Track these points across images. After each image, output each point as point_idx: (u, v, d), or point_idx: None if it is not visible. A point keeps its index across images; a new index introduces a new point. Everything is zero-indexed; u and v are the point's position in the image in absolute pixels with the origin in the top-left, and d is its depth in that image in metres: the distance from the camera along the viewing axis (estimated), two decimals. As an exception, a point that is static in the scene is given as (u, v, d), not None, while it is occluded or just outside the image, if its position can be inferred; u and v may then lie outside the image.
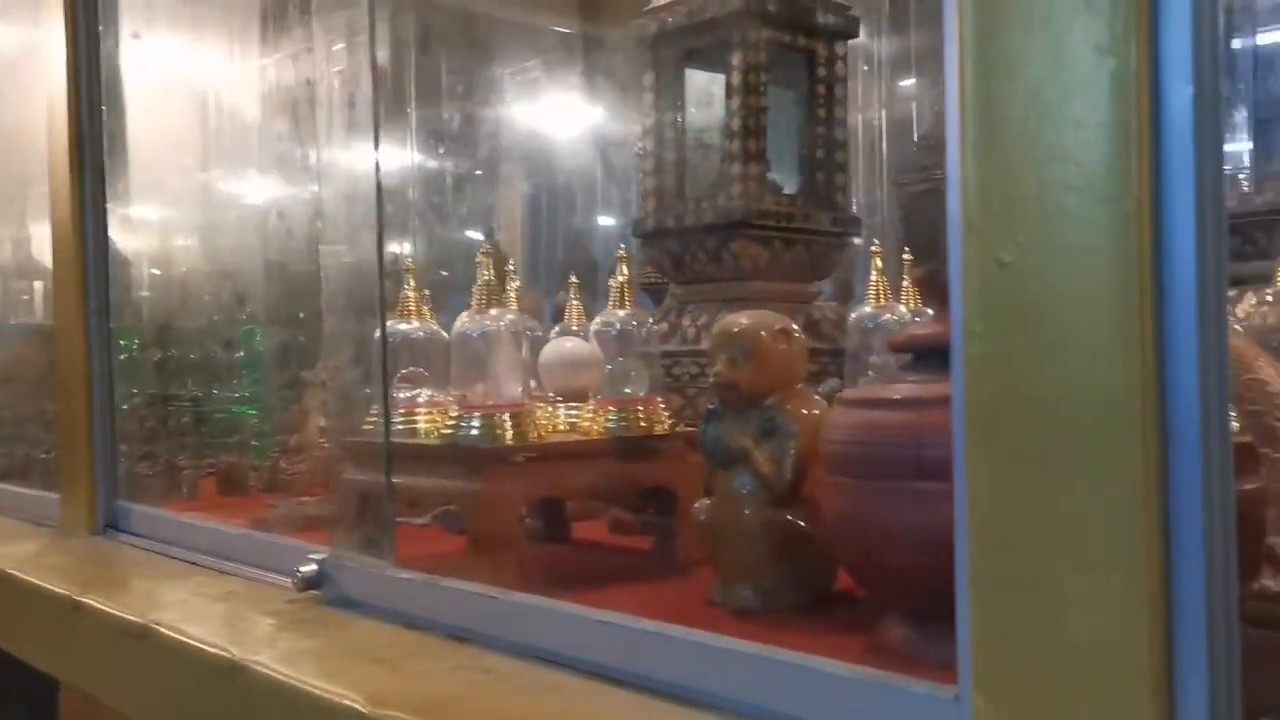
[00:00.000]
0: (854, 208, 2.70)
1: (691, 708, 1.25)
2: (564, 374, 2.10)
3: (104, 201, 2.91)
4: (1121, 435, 0.89)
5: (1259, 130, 2.20)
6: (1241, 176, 2.24)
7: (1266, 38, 2.14)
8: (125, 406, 3.56)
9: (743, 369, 1.66)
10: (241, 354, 3.97)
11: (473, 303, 1.91)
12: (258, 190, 4.41)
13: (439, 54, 7.31)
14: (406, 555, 2.01)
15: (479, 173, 7.05)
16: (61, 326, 3.01)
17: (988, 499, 0.99)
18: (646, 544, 2.13)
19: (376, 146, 1.73)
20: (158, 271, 4.36)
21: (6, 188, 4.27)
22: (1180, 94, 0.87)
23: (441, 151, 7.63)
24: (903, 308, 2.28)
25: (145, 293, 4.18)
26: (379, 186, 1.74)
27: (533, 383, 2.24)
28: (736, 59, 2.28)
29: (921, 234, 4.78)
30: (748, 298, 2.31)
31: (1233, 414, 1.66)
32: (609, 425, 1.97)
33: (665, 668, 1.31)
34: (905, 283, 2.44)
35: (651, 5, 2.48)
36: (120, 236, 4.07)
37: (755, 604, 1.63)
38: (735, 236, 2.28)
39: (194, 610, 1.90)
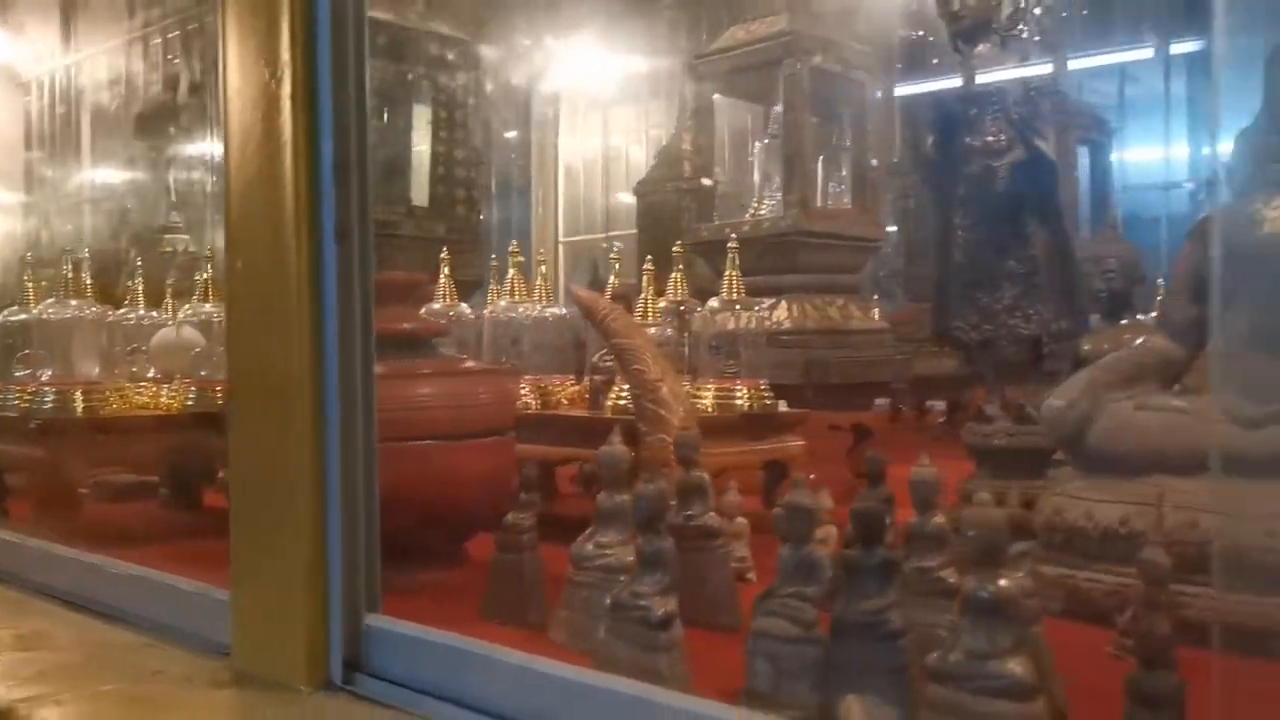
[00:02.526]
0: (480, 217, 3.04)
1: (101, 619, 1.56)
2: (165, 357, 2.38)
3: None
4: (295, 401, 1.23)
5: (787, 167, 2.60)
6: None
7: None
8: None
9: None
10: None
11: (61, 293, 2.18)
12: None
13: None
14: (20, 514, 2.28)
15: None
16: None
17: (240, 449, 1.32)
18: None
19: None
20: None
21: None
22: (327, 161, 1.21)
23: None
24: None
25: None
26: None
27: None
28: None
29: (657, 232, 5.17)
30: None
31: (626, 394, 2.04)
32: (188, 403, 2.26)
33: (103, 593, 1.61)
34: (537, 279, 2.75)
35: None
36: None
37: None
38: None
39: None
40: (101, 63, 8.67)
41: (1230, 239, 1.47)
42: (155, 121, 6.08)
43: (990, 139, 1.69)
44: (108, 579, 1.60)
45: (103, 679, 1.32)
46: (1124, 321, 2.33)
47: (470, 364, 1.90)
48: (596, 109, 9.51)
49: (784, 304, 2.61)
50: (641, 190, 4.98)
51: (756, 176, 2.78)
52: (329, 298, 1.22)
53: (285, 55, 1.20)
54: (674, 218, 4.59)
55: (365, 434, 1.24)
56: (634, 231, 7.85)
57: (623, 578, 1.28)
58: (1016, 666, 0.90)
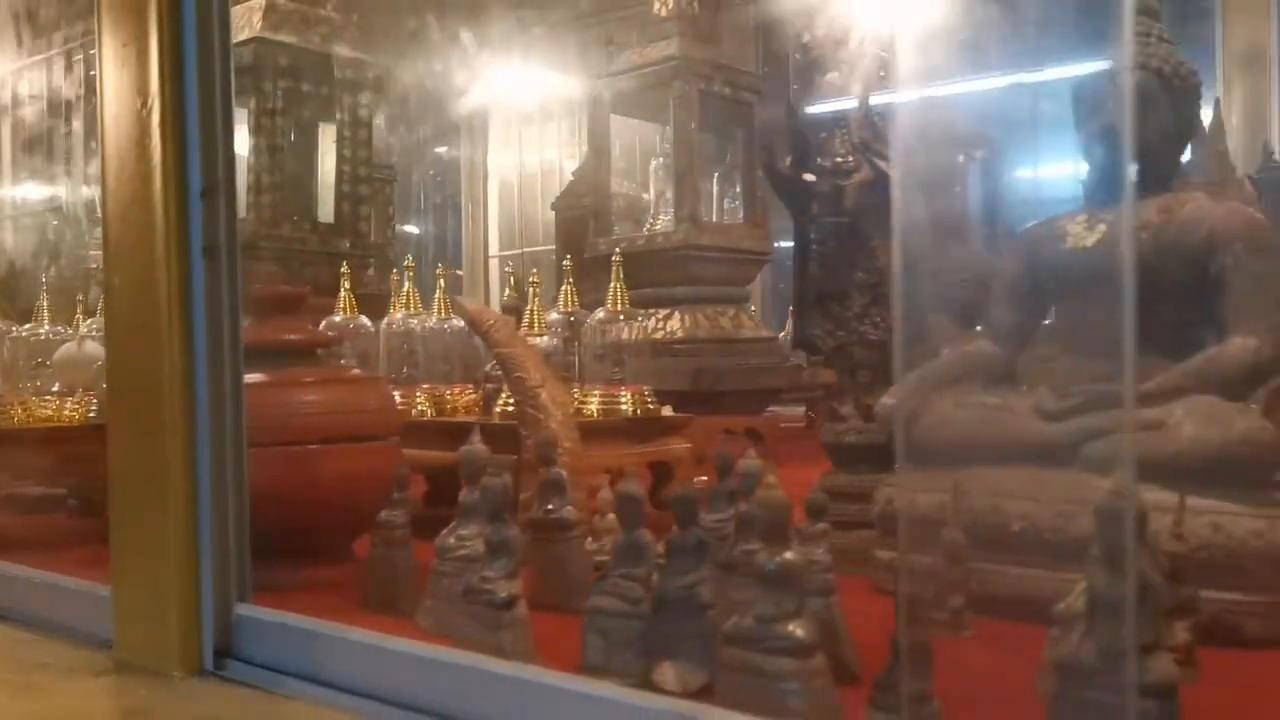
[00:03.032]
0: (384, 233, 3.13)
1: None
2: (68, 371, 2.44)
3: None
4: (168, 407, 1.31)
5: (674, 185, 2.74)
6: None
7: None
8: None
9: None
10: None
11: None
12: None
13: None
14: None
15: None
16: None
17: (118, 453, 1.40)
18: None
19: None
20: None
21: None
22: (195, 184, 1.31)
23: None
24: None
25: None
26: None
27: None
28: (254, 103, 2.68)
29: (574, 246, 5.30)
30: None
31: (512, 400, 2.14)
32: (90, 415, 2.32)
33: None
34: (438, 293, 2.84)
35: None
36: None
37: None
38: (252, 256, 2.67)
39: None
40: (24, 79, 8.60)
41: (1040, 252, 1.62)
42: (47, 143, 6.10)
43: (839, 160, 1.83)
44: None
45: (-11, 673, 1.40)
46: (978, 328, 2.47)
47: (355, 373, 1.99)
48: (531, 124, 9.60)
49: (677, 314, 2.73)
50: (558, 206, 5.09)
51: (652, 193, 2.91)
52: (197, 311, 1.31)
53: (155, 86, 1.29)
54: (586, 232, 4.72)
55: (234, 438, 1.33)
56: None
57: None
58: (798, 629, 1.02)
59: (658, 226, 2.88)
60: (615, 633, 1.19)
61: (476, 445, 1.44)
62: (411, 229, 10.46)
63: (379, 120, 5.38)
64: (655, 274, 2.81)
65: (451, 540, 1.42)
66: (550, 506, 1.53)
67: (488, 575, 1.27)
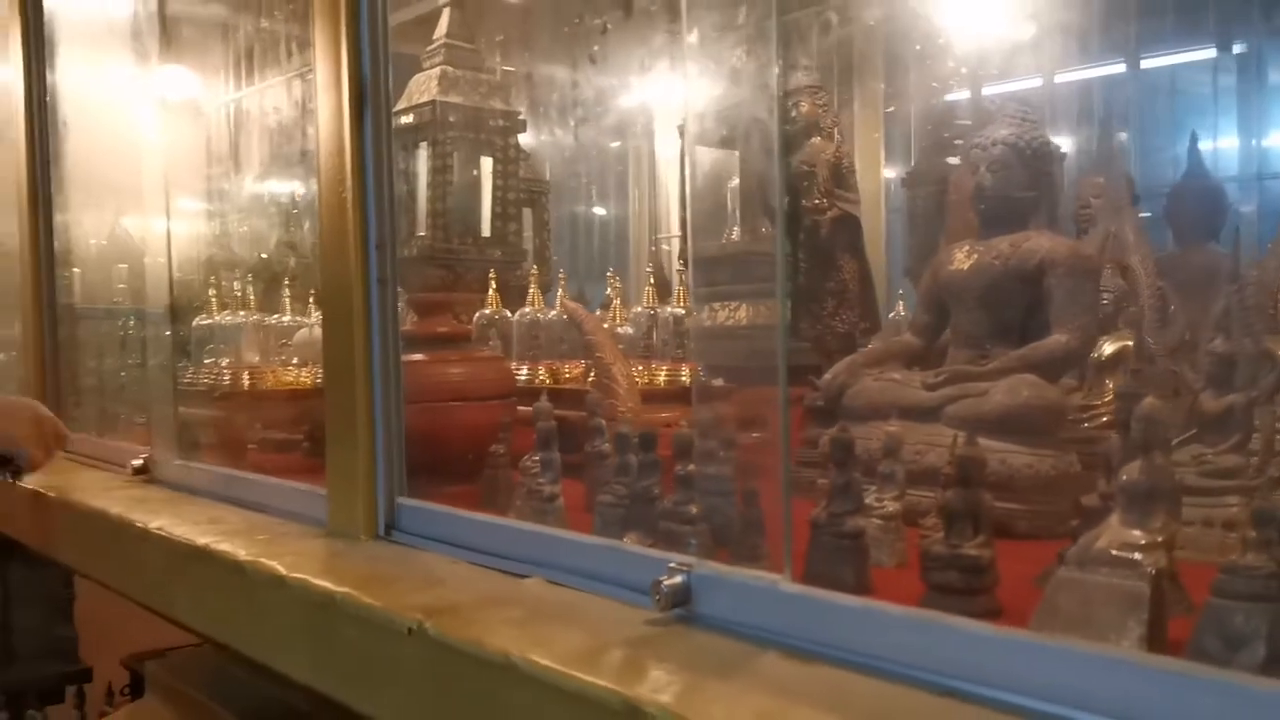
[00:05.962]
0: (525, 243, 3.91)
1: (254, 511, 2.48)
2: (304, 349, 3.32)
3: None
4: (358, 376, 2.10)
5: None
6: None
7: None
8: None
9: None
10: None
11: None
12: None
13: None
14: (207, 457, 3.26)
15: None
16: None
17: (330, 407, 2.20)
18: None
19: None
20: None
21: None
22: (372, 240, 2.09)
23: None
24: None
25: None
26: None
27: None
28: (431, 149, 3.48)
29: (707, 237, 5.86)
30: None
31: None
32: (318, 382, 3.19)
33: (255, 497, 2.54)
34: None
35: (408, 104, 3.65)
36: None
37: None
38: (426, 263, 3.49)
39: None
40: (269, 94, 9.87)
41: (939, 271, 2.21)
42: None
43: (817, 202, 2.45)
44: (258, 488, 2.53)
45: (256, 535, 2.23)
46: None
47: (485, 353, 2.76)
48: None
49: (744, 306, 3.38)
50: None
51: (729, 208, 3.56)
52: (374, 319, 2.08)
53: (349, 181, 2.07)
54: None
55: (396, 397, 2.09)
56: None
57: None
58: (693, 508, 1.70)
59: (733, 236, 3.53)
60: (609, 516, 1.90)
61: (544, 403, 2.17)
62: (599, 210, 11.26)
63: (545, 134, 6.19)
64: (730, 273, 3.47)
65: (529, 462, 2.16)
66: (595, 443, 2.25)
67: (540, 481, 2.00)
